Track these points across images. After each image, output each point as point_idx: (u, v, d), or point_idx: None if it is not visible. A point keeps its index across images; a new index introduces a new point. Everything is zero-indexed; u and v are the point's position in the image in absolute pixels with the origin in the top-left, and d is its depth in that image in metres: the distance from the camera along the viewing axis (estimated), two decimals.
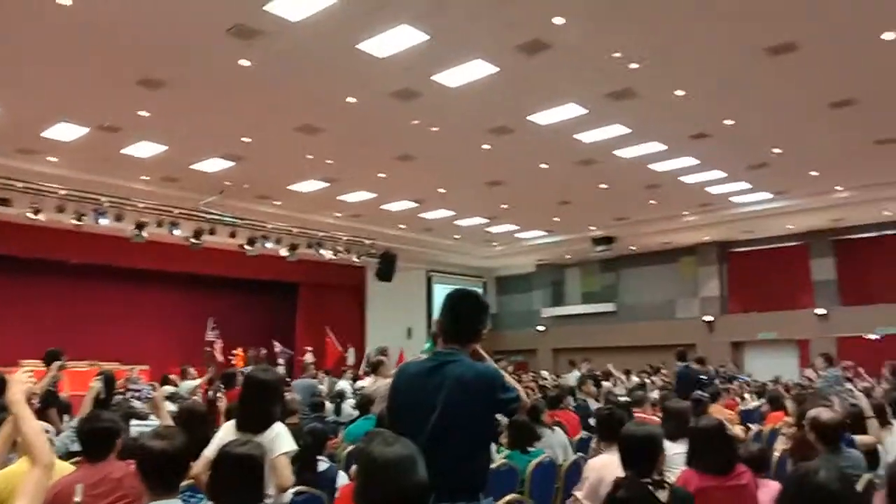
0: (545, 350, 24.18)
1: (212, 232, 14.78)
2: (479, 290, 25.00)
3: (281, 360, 16.44)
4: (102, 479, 3.17)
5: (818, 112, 11.04)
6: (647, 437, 3.14)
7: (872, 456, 4.94)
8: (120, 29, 8.08)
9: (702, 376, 9.98)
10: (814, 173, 14.72)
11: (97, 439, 3.35)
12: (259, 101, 10.28)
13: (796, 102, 10.71)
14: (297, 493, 3.77)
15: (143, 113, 10.65)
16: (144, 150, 12.28)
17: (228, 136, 11.85)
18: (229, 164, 13.20)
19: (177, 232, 14.31)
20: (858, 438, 4.96)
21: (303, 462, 4.10)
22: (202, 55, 8.78)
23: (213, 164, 13.24)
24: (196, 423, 4.06)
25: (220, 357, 15.98)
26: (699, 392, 7.79)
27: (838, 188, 16.09)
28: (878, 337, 17.95)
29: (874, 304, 18.23)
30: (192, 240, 14.58)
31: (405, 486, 1.80)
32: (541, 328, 24.81)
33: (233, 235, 15.25)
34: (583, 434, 6.78)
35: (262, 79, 9.50)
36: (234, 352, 16.67)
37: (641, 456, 3.08)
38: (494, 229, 20.11)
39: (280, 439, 3.40)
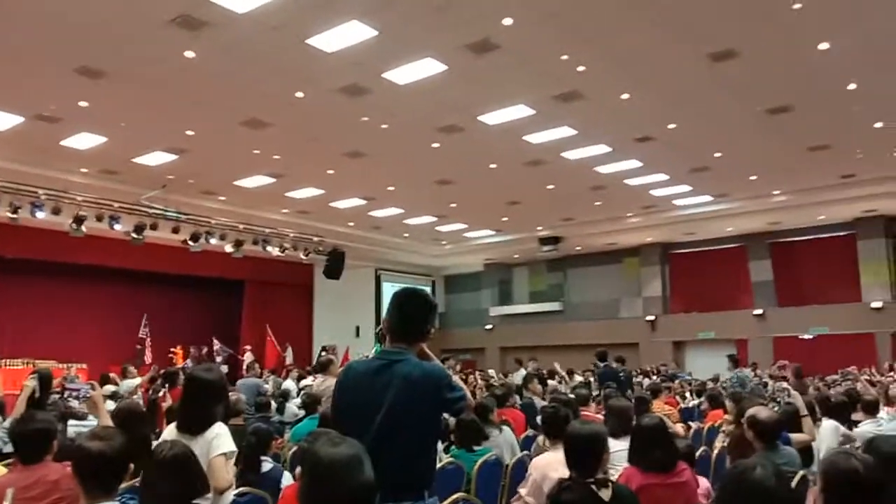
0: (493, 348, 24.37)
1: (154, 227, 14.40)
2: (428, 289, 25.01)
3: (220, 359, 16.13)
4: (37, 482, 3.06)
5: (757, 118, 11.41)
6: (592, 435, 3.17)
7: (807, 453, 5.12)
8: (59, 14, 7.79)
9: (621, 375, 10.33)
10: (753, 177, 15.20)
11: (31, 441, 3.23)
12: (204, 93, 10.05)
13: (736, 108, 11.03)
14: (240, 494, 3.70)
15: (82, 103, 10.30)
16: (84, 141, 11.86)
17: (172, 129, 11.56)
18: (172, 157, 12.87)
19: (117, 226, 13.93)
20: (794, 436, 5.12)
21: (246, 462, 4.04)
22: (145, 45, 8.54)
23: (156, 158, 12.89)
24: (134, 423, 3.94)
25: (149, 356, 15.63)
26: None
27: (776, 192, 16.66)
28: (811, 337, 18.64)
29: (808, 306, 18.95)
30: (134, 235, 14.19)
31: (352, 486, 1.79)
32: (488, 327, 24.99)
33: (176, 231, 14.91)
34: (528, 432, 6.85)
35: (207, 71, 9.30)
36: (173, 350, 16.31)
37: (587, 454, 3.11)
38: (443, 228, 20.15)
39: (219, 440, 3.33)
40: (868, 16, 8.18)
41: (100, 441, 2.62)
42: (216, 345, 17.09)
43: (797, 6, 7.85)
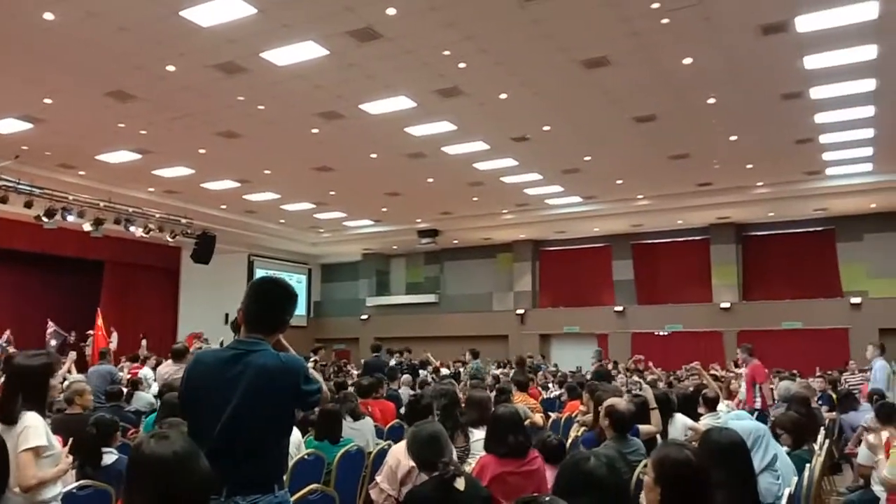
0: (368, 339, 24.17)
1: (3, 200, 13.24)
2: (304, 277, 24.66)
3: (53, 343, 15.00)
4: None
5: (625, 125, 12.02)
6: (431, 436, 3.27)
7: (652, 444, 5.43)
8: None
9: (393, 364, 10.89)
10: (619, 181, 16.01)
11: None
12: (65, 59, 9.37)
13: (607, 114, 11.57)
14: (80, 488, 3.50)
15: None
16: None
17: (28, 96, 10.72)
18: (27, 125, 11.94)
19: None
20: (642, 428, 5.42)
21: (86, 454, 3.83)
22: None
23: (8, 125, 11.93)
24: None
25: None
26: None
27: (639, 196, 17.64)
28: (665, 333, 19.89)
29: (664, 304, 20.22)
30: None
31: (177, 484, 1.71)
32: (364, 317, 24.91)
33: (28, 205, 13.75)
34: (395, 422, 6.89)
35: (68, 35, 8.67)
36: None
37: (431, 452, 3.19)
38: (321, 216, 19.87)
39: (26, 433, 3.12)
40: (726, 36, 8.80)
41: None
42: (50, 327, 15.85)
43: (665, 21, 8.32)
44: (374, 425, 6.14)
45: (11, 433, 3.06)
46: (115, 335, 16.31)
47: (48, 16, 8.15)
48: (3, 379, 7.77)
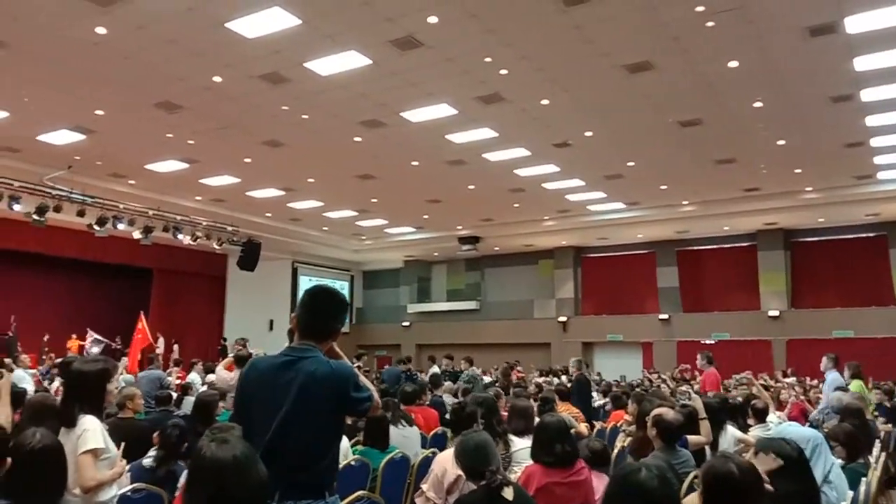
0: (409, 345, 24.40)
1: (57, 209, 13.67)
2: (346, 284, 24.88)
3: (95, 350, 15.43)
4: None
5: (669, 130, 11.84)
6: (479, 445, 3.25)
7: (701, 455, 5.31)
8: None
9: (408, 373, 11.04)
10: (663, 187, 15.78)
11: None
12: (116, 72, 9.63)
13: (650, 119, 11.42)
14: (134, 491, 3.58)
15: None
16: None
17: (80, 108, 11.04)
18: (80, 136, 12.30)
19: (17, 207, 13.15)
20: (690, 438, 5.31)
21: (166, 455, 4.03)
22: (53, 17, 8.11)
23: (62, 136, 12.29)
24: (47, 416, 3.76)
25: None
26: None
27: (684, 202, 17.35)
28: (712, 342, 19.49)
29: (710, 312, 19.83)
30: (35, 216, 13.43)
31: (236, 488, 1.74)
32: (406, 323, 25.02)
33: (81, 214, 14.19)
34: (438, 429, 6.88)
35: (119, 49, 8.91)
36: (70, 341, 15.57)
37: (475, 462, 3.17)
38: (364, 223, 20.03)
39: (85, 436, 3.21)
40: (772, 39, 8.62)
41: None
42: (90, 336, 16.31)
43: (710, 24, 8.19)
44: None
45: (70, 436, 3.15)
46: (161, 340, 16.70)
47: (100, 30, 8.40)
48: (60, 383, 8.03)
